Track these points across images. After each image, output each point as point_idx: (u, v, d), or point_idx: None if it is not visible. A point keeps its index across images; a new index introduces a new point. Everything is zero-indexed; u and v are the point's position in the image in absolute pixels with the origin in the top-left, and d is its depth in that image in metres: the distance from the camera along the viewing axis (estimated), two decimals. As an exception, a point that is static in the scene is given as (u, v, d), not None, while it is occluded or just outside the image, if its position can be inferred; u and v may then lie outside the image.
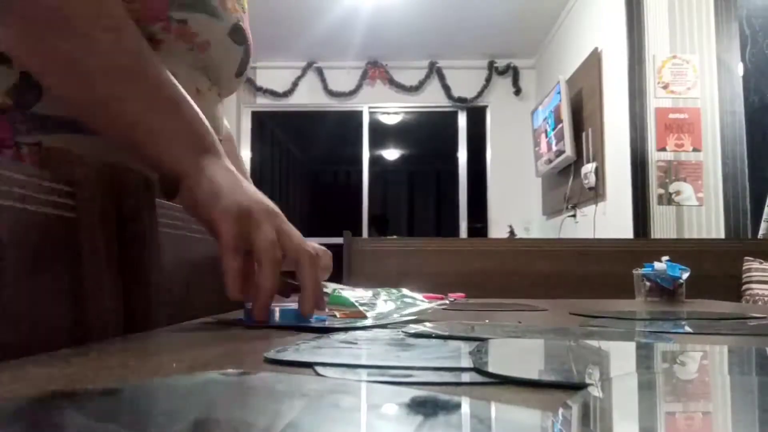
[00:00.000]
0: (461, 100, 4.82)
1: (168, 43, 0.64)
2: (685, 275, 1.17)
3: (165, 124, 0.55)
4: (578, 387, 0.26)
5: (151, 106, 0.54)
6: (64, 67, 0.52)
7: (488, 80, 4.82)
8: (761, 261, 1.95)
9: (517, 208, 4.67)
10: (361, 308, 0.61)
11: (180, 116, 0.56)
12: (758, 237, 2.44)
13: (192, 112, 0.57)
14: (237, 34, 0.72)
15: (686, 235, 2.69)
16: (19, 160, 0.56)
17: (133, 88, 0.54)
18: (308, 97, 4.87)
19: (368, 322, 0.54)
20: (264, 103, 4.91)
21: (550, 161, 3.88)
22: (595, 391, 0.25)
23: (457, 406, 0.21)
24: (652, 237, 2.70)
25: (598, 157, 3.24)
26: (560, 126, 3.59)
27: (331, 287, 0.70)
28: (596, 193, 3.25)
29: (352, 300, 0.63)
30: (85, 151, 0.57)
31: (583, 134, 3.46)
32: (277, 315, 0.55)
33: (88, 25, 0.52)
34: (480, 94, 4.81)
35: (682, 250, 1.98)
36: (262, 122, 5.53)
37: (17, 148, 0.56)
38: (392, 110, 5.16)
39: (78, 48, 0.51)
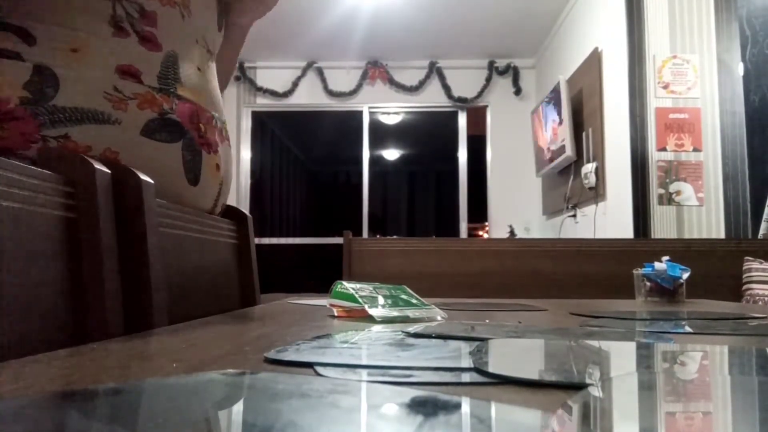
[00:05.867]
0: (461, 100, 4.82)
1: (162, 16, 0.66)
2: (685, 275, 1.17)
3: None
4: (578, 387, 0.26)
5: None
6: None
7: (488, 80, 4.82)
8: (761, 261, 1.95)
9: (517, 208, 4.67)
10: (361, 300, 0.62)
11: None
12: (758, 237, 2.44)
13: None
14: None
15: (686, 235, 2.69)
16: (48, 154, 0.56)
17: None
18: (308, 97, 4.87)
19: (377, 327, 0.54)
20: (264, 103, 4.91)
21: (550, 161, 3.88)
22: (596, 391, 0.25)
23: (458, 406, 0.21)
24: (652, 237, 2.70)
25: (598, 157, 3.24)
26: (560, 126, 3.59)
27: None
28: (596, 193, 3.25)
29: (352, 292, 0.63)
30: (111, 141, 0.59)
31: (583, 134, 3.46)
32: None
33: None
34: (480, 94, 4.81)
35: (682, 250, 1.98)
36: (262, 122, 5.53)
37: (44, 142, 0.56)
38: (392, 110, 5.16)
39: None
